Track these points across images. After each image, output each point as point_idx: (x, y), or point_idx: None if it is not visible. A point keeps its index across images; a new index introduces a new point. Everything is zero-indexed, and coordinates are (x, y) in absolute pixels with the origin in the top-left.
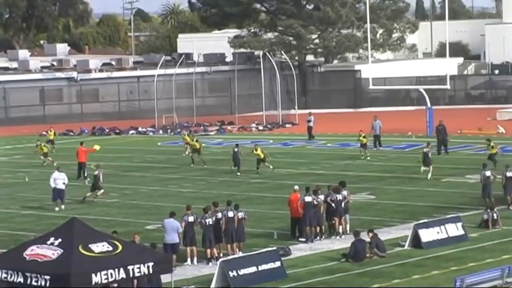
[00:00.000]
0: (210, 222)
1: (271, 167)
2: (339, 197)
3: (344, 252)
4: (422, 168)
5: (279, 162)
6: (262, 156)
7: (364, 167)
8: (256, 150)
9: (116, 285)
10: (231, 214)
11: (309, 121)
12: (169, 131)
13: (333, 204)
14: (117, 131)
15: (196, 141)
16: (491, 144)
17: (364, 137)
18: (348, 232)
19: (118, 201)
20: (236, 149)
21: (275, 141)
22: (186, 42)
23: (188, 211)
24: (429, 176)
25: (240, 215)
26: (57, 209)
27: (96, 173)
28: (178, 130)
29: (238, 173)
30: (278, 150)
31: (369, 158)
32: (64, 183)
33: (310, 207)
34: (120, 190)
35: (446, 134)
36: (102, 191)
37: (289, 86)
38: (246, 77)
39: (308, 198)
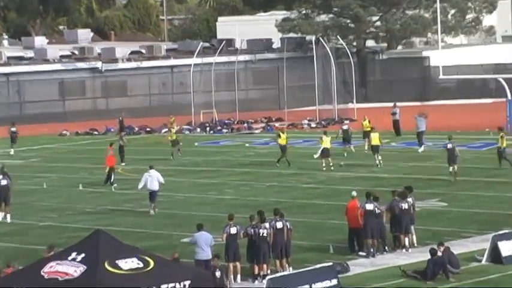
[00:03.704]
0: (265, 234)
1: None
2: (404, 205)
3: (416, 269)
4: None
5: (333, 164)
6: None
7: (433, 170)
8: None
9: None
10: (279, 225)
11: (394, 114)
12: (208, 129)
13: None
14: (148, 129)
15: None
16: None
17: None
18: (415, 245)
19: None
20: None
21: (330, 140)
22: (226, 27)
23: (230, 221)
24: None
25: (286, 225)
26: (152, 212)
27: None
28: (219, 128)
29: None
30: (334, 151)
31: None
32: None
33: (371, 216)
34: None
35: None
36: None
37: (346, 76)
38: (296, 66)
39: (369, 206)
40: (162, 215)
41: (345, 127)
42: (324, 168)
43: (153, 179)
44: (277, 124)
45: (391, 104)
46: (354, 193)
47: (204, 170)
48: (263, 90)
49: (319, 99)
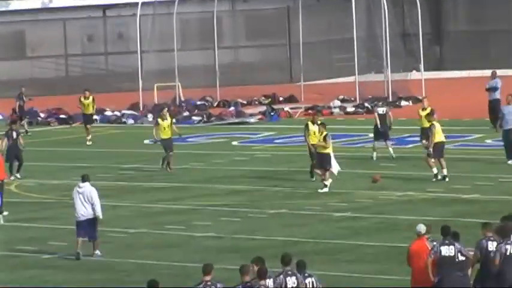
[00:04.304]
0: None
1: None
2: (509, 248)
3: None
4: None
5: (387, 175)
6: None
7: None
8: None
9: None
10: (292, 282)
11: (493, 89)
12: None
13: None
14: (63, 116)
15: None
16: None
17: None
18: None
19: (70, 257)
20: None
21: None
22: None
23: (207, 276)
24: None
25: (310, 282)
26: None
27: None
28: (186, 114)
29: None
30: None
31: None
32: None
33: (450, 266)
34: (74, 234)
35: None
36: None
37: (407, 25)
38: (320, 7)
39: (446, 250)
40: (92, 264)
41: (382, 110)
42: (314, 179)
43: (84, 199)
44: (287, 108)
45: (485, 73)
46: (422, 228)
47: (162, 187)
48: (263, 49)
49: (359, 64)
